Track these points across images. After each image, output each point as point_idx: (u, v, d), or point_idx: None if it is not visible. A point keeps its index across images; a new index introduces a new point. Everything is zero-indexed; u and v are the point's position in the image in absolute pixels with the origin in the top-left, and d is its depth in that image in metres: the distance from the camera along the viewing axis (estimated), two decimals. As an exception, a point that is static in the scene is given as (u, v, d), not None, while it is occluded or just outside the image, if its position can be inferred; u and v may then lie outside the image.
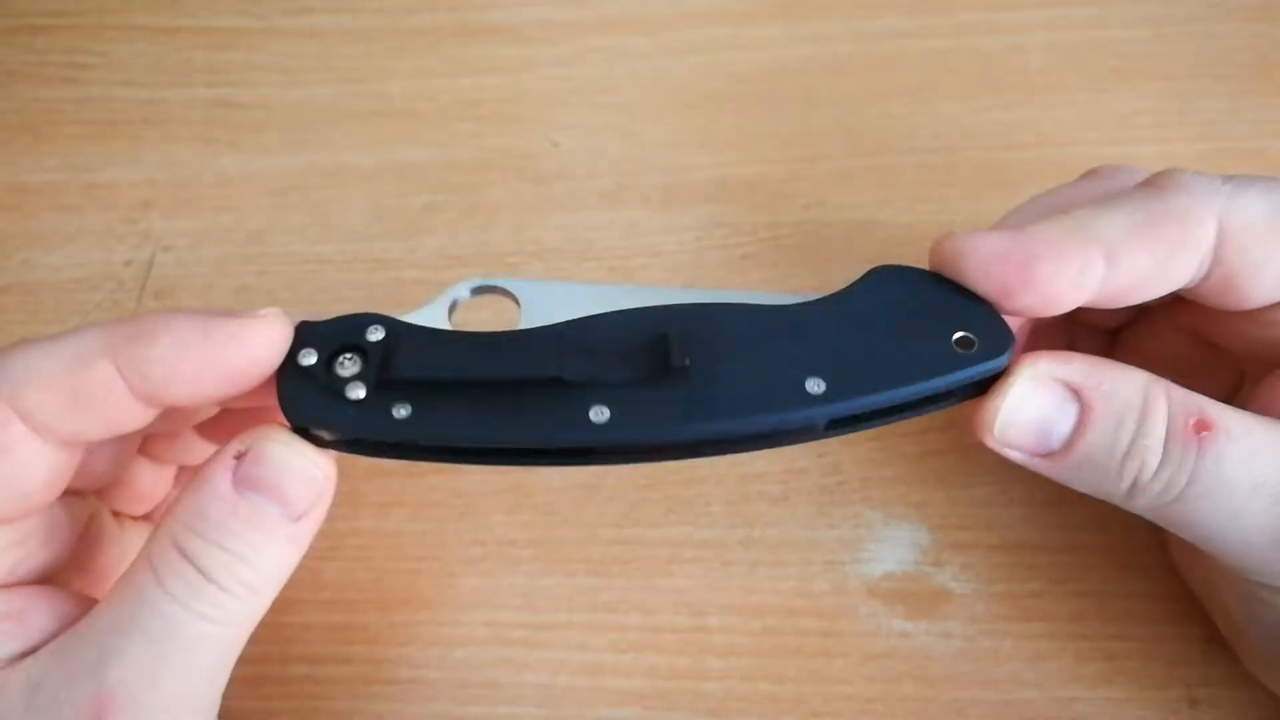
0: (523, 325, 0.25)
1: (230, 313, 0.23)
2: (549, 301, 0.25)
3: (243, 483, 0.23)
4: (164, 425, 0.26)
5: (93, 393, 0.23)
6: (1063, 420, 0.24)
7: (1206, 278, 0.24)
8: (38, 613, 0.24)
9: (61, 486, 0.25)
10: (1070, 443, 0.24)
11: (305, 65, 0.41)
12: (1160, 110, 0.38)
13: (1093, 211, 0.24)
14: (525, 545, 0.32)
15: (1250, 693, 0.29)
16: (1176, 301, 0.27)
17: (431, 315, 0.25)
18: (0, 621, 0.23)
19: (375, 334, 0.24)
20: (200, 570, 0.23)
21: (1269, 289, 0.24)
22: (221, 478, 0.23)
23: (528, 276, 0.37)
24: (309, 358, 0.24)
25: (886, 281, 0.25)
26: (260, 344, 0.23)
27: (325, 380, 0.24)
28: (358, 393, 0.23)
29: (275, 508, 0.23)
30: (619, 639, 0.31)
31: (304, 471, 0.24)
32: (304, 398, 0.24)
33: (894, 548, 0.32)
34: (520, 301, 0.26)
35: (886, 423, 0.25)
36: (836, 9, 0.41)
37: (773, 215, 0.38)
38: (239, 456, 0.23)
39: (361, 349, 0.24)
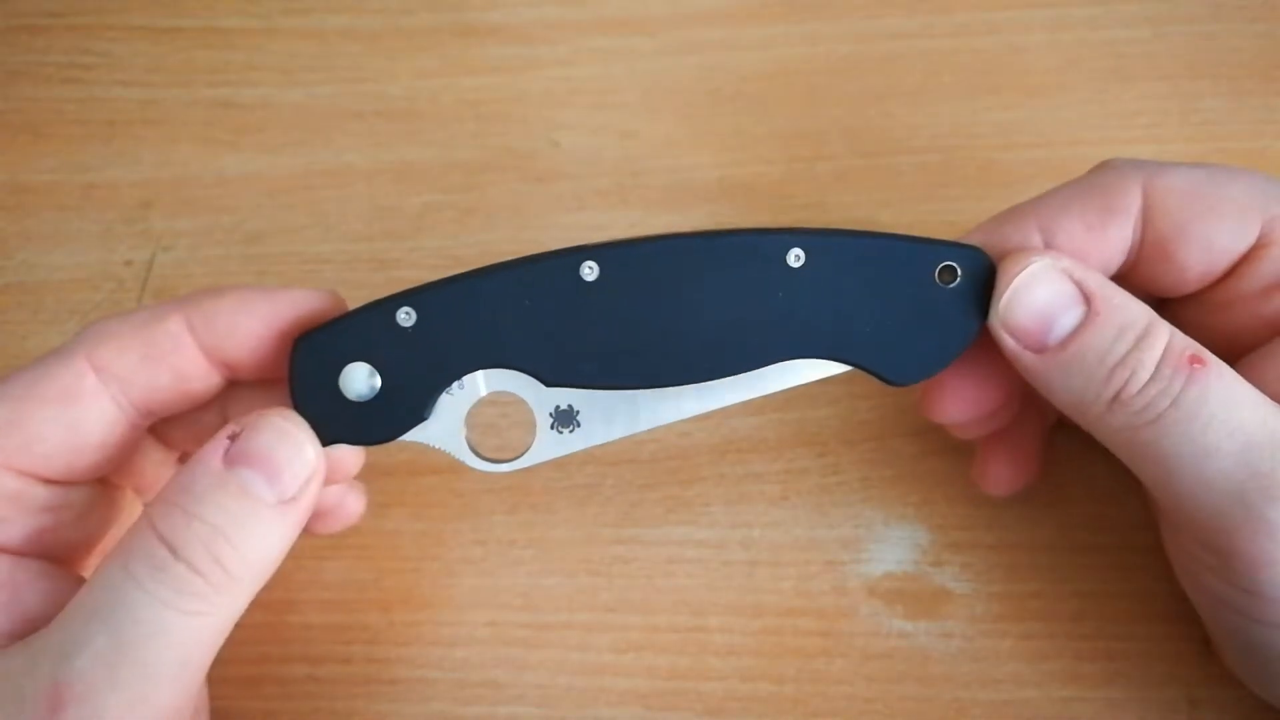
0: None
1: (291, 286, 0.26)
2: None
3: (234, 459, 0.23)
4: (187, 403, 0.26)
5: (164, 343, 0.25)
6: (1067, 316, 0.25)
7: (1142, 247, 0.26)
8: (33, 592, 0.24)
9: (111, 461, 0.25)
10: (1067, 341, 0.25)
11: (305, 65, 0.41)
12: (1160, 110, 0.38)
13: (1031, 200, 0.27)
14: (525, 545, 0.32)
15: (1250, 693, 0.29)
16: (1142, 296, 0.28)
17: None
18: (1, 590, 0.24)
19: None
20: (171, 548, 0.22)
21: (1199, 256, 0.26)
22: (212, 455, 0.23)
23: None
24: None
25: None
26: (315, 313, 0.26)
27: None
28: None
29: (265, 483, 0.23)
30: (619, 639, 0.31)
31: (297, 447, 0.24)
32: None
33: (894, 548, 0.32)
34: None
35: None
36: (836, 9, 0.41)
37: (773, 215, 0.38)
38: (233, 437, 0.23)
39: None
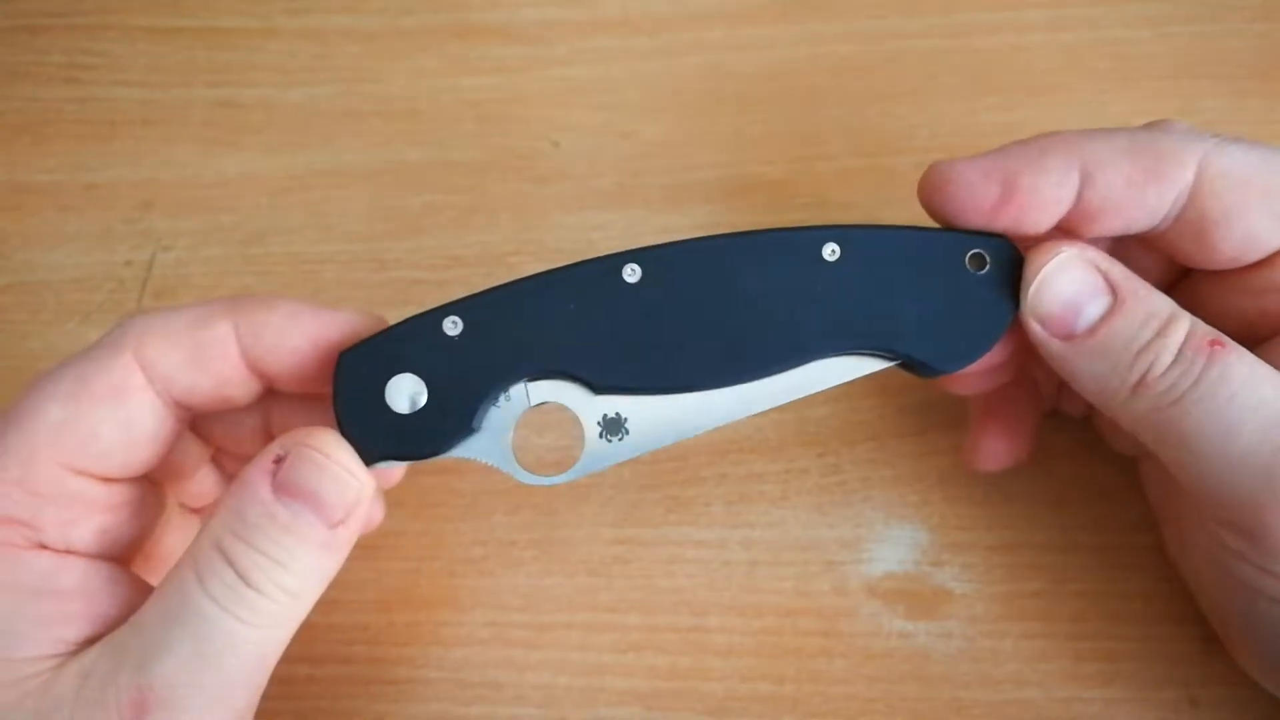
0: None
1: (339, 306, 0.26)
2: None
3: (281, 488, 0.23)
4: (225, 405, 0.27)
5: (210, 348, 0.25)
6: (1094, 305, 0.25)
7: (1180, 219, 0.26)
8: (106, 596, 0.24)
9: (159, 457, 0.26)
10: (1095, 328, 0.25)
11: (305, 65, 0.41)
12: (1160, 110, 0.38)
13: (1080, 133, 0.26)
14: (526, 545, 0.32)
15: (1250, 692, 0.29)
16: (1175, 284, 0.28)
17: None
18: (71, 599, 0.24)
19: None
20: (239, 574, 0.23)
21: (1237, 242, 0.25)
22: (261, 482, 0.23)
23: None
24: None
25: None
26: (359, 335, 0.25)
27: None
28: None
29: (312, 514, 0.23)
30: (619, 639, 0.31)
31: (339, 479, 0.24)
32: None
33: (894, 548, 0.32)
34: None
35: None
36: (836, 9, 0.41)
37: (773, 215, 0.38)
38: (278, 461, 0.24)
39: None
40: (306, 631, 0.31)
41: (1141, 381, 0.25)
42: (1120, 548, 0.31)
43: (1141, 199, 0.25)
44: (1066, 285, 0.25)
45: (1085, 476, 0.32)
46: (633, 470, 0.33)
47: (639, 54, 0.41)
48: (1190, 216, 0.26)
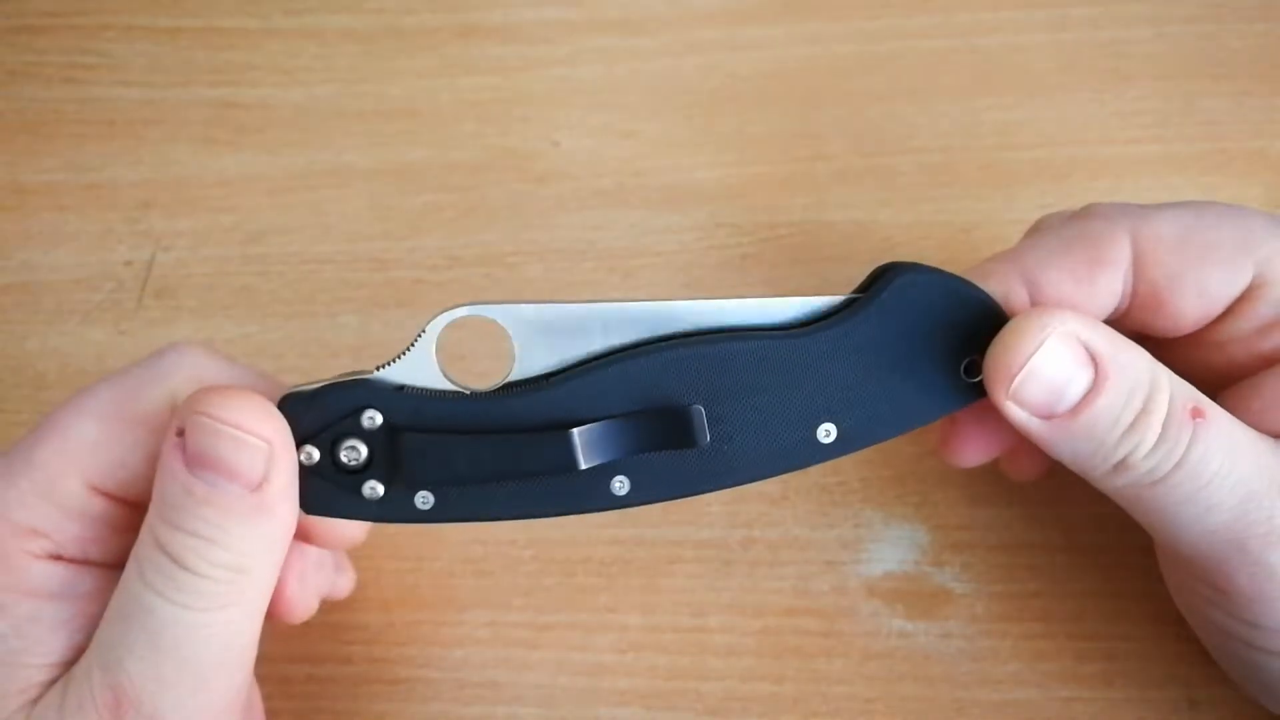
0: (518, 366, 0.24)
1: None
2: (542, 333, 0.24)
3: (191, 461, 0.22)
4: None
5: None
6: (1077, 383, 0.24)
7: (1135, 296, 0.26)
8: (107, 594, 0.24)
9: None
10: (1078, 408, 0.24)
11: (305, 65, 0.41)
12: (1160, 110, 0.38)
13: (1015, 247, 0.26)
14: (525, 545, 0.32)
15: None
16: (1135, 335, 0.27)
17: (419, 361, 0.24)
18: (92, 601, 0.24)
19: (371, 420, 0.23)
20: (172, 559, 0.22)
21: (1194, 303, 0.25)
22: (173, 459, 0.22)
23: (528, 278, 0.37)
24: (312, 457, 0.24)
25: (899, 293, 0.25)
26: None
27: (335, 476, 0.24)
28: (376, 491, 0.24)
29: (225, 481, 0.22)
30: (619, 639, 0.31)
31: (238, 441, 0.22)
32: (319, 494, 0.24)
33: (894, 548, 0.32)
34: (511, 335, 0.24)
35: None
36: (836, 9, 0.41)
37: (773, 215, 0.38)
38: (180, 433, 0.22)
39: (362, 434, 0.24)
40: (306, 631, 0.31)
41: (1123, 462, 0.24)
42: (1120, 548, 0.31)
43: (1093, 292, 0.25)
44: (1054, 372, 0.24)
45: (1085, 476, 0.32)
46: (633, 470, 0.33)
47: (639, 54, 0.41)
48: (1143, 290, 0.25)
